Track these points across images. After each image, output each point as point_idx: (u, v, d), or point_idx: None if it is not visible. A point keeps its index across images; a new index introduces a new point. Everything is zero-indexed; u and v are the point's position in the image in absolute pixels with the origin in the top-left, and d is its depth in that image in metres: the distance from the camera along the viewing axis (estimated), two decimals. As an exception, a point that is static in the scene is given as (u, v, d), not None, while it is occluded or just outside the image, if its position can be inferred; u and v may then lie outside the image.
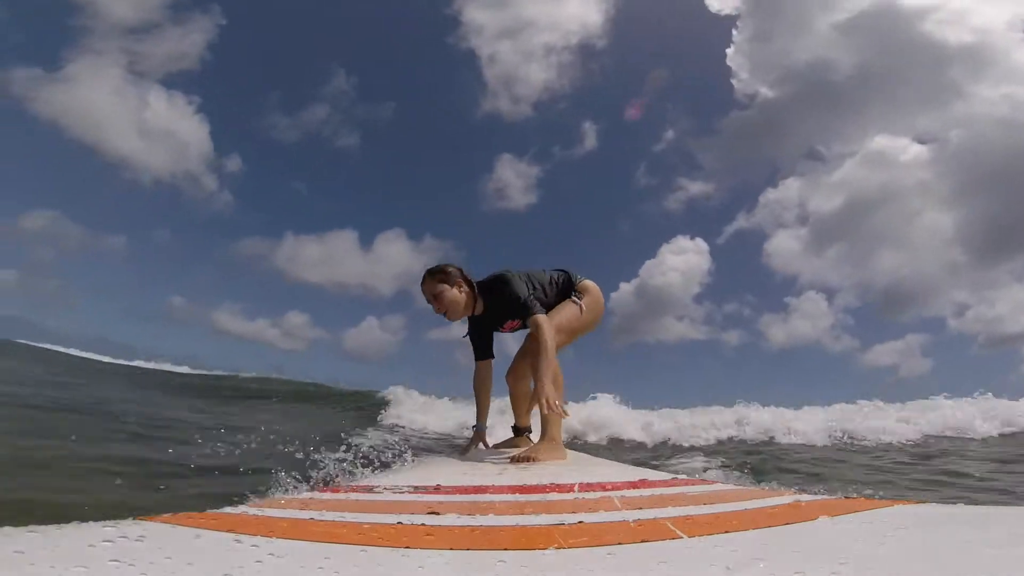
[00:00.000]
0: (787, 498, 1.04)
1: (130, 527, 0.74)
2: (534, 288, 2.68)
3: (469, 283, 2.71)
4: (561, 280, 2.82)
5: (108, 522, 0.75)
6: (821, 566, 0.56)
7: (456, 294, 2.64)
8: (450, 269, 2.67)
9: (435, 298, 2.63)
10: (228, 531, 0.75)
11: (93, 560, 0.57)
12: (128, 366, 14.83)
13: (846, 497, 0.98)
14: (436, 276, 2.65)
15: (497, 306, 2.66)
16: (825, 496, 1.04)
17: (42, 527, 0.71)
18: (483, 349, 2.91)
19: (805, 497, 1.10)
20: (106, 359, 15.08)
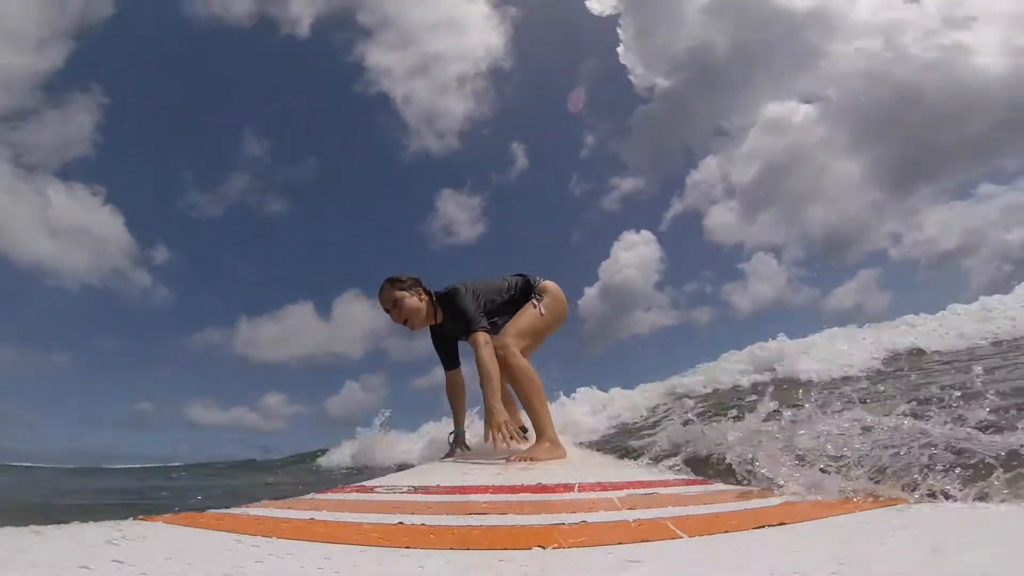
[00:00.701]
0: (787, 497, 1.04)
1: (131, 527, 0.74)
2: (489, 300, 2.68)
3: (428, 292, 2.72)
4: (519, 284, 2.81)
5: (108, 522, 0.75)
6: (821, 566, 0.56)
7: (416, 302, 2.65)
8: (406, 278, 2.67)
9: (395, 305, 2.63)
10: (228, 531, 0.76)
11: (93, 560, 0.57)
12: (107, 469, 13.25)
13: (845, 497, 0.98)
14: (395, 284, 2.65)
15: (452, 318, 2.67)
16: (824, 496, 1.05)
17: (42, 527, 0.71)
18: (449, 359, 2.91)
19: (805, 496, 1.10)
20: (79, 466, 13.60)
